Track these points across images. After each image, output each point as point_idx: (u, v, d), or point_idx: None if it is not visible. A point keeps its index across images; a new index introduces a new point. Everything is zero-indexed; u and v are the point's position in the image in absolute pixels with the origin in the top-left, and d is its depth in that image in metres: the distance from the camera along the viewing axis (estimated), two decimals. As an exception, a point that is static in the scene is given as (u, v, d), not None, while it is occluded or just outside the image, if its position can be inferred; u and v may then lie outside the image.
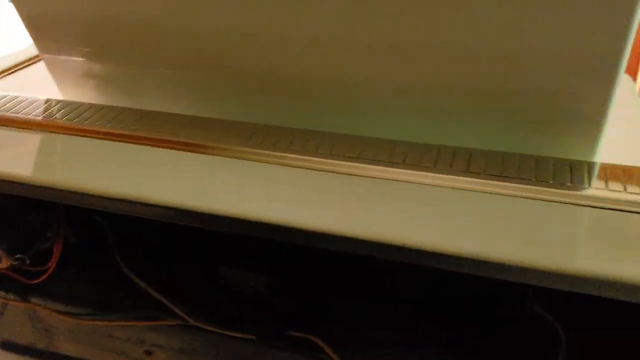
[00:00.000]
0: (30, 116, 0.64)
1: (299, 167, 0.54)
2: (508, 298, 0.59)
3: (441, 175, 0.51)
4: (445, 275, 0.45)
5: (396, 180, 0.51)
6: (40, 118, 0.64)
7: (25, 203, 0.69)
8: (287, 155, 0.55)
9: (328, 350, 0.60)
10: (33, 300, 0.73)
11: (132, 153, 0.58)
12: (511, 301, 0.59)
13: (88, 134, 0.61)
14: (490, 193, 0.49)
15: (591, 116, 0.52)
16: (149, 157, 0.57)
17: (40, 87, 0.72)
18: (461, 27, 0.50)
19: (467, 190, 0.49)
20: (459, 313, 0.62)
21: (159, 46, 0.62)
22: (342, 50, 0.55)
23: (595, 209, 0.47)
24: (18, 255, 0.70)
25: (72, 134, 0.61)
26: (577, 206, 0.47)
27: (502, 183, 0.49)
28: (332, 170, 0.53)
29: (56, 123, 0.63)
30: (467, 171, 0.51)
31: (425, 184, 0.51)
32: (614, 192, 0.48)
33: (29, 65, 0.82)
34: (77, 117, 0.63)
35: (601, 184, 0.49)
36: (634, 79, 2.30)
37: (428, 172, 0.51)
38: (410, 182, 0.51)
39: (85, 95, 0.69)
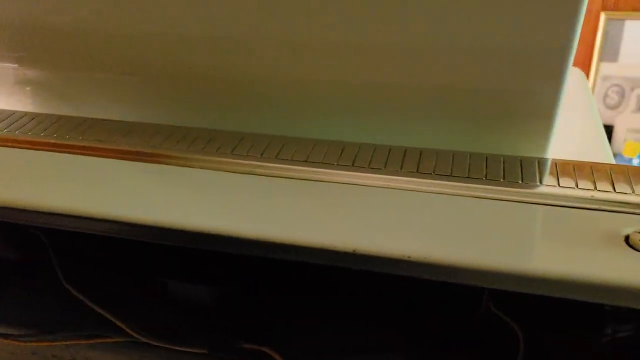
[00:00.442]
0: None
1: (243, 173, 0.52)
2: (464, 301, 0.58)
3: (390, 177, 0.49)
4: (402, 280, 0.44)
5: (345, 184, 0.49)
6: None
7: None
8: (232, 160, 0.53)
9: (281, 362, 0.58)
10: (-31, 323, 0.69)
11: (67, 163, 0.55)
12: (467, 304, 0.58)
13: (19, 145, 0.58)
14: (440, 194, 0.48)
15: (541, 112, 0.51)
16: (87, 167, 0.55)
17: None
18: (406, 25, 0.48)
19: (417, 191, 0.48)
20: (416, 318, 0.61)
21: (95, 50, 0.59)
22: (287, 51, 0.53)
23: (547, 207, 0.46)
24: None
25: (1, 145, 0.58)
26: (528, 204, 0.46)
27: (452, 183, 0.48)
28: (278, 175, 0.51)
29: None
30: (417, 172, 0.50)
31: (374, 187, 0.49)
32: (566, 188, 0.47)
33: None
34: (8, 126, 0.60)
35: (552, 181, 0.48)
36: (586, 73, 2.35)
37: (378, 174, 0.50)
38: (359, 185, 0.49)
39: (19, 103, 0.66)
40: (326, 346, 0.61)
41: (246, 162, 0.52)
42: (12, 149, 0.57)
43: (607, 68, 2.35)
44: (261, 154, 0.53)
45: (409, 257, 0.41)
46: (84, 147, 0.57)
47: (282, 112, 0.58)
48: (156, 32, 0.56)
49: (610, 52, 2.33)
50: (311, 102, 0.56)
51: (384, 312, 0.62)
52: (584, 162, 0.51)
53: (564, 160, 0.51)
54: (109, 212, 0.48)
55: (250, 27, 0.52)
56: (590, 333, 0.53)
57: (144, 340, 0.62)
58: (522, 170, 0.49)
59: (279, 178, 0.51)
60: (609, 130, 2.40)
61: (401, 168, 0.50)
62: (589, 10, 2.21)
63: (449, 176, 0.49)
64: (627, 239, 0.42)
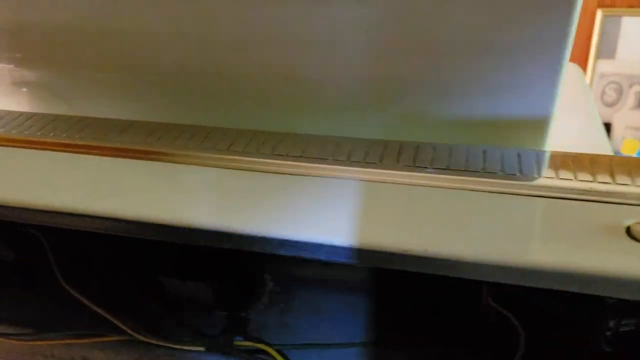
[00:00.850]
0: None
1: (243, 170, 0.51)
2: (463, 295, 0.57)
3: (387, 171, 0.49)
4: (402, 275, 0.44)
5: (341, 178, 0.49)
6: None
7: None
8: (231, 157, 0.52)
9: (279, 358, 0.58)
10: (-33, 323, 0.69)
11: (65, 162, 0.55)
12: (466, 298, 0.58)
13: (17, 144, 0.57)
14: (437, 187, 0.47)
15: (539, 106, 0.51)
16: (84, 165, 0.54)
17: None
18: (409, 19, 0.48)
19: (414, 185, 0.48)
20: (416, 313, 0.60)
21: (89, 48, 0.58)
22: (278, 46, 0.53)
23: (546, 199, 0.45)
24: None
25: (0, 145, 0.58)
26: (528, 197, 0.46)
27: (449, 176, 0.48)
28: (275, 170, 0.51)
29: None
30: (414, 166, 0.49)
31: (372, 181, 0.49)
32: (565, 180, 0.47)
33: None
34: (4, 126, 0.60)
35: (551, 173, 0.48)
36: (584, 70, 2.34)
37: (374, 168, 0.49)
38: (357, 179, 0.49)
39: (15, 103, 0.66)
40: (324, 340, 0.61)
41: (244, 158, 0.52)
42: (11, 148, 0.57)
43: (605, 65, 2.34)
44: (258, 150, 0.53)
45: (408, 251, 0.41)
46: (80, 146, 0.56)
47: (288, 110, 0.58)
48: (149, 31, 0.55)
49: (607, 49, 2.32)
50: (314, 97, 0.56)
51: (386, 307, 0.62)
52: (582, 154, 0.50)
53: (562, 152, 0.51)
54: (106, 209, 0.48)
55: (230, 26, 0.52)
56: (590, 326, 0.52)
57: (142, 339, 0.62)
58: (520, 163, 0.49)
59: (277, 174, 0.51)
60: (607, 128, 2.40)
61: (397, 162, 0.50)
62: (585, 7, 2.22)
63: (447, 169, 0.48)
64: (628, 230, 0.42)
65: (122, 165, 0.54)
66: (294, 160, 0.51)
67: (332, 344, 0.59)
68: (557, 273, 0.40)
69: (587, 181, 0.46)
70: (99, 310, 0.63)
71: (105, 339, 0.63)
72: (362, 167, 0.49)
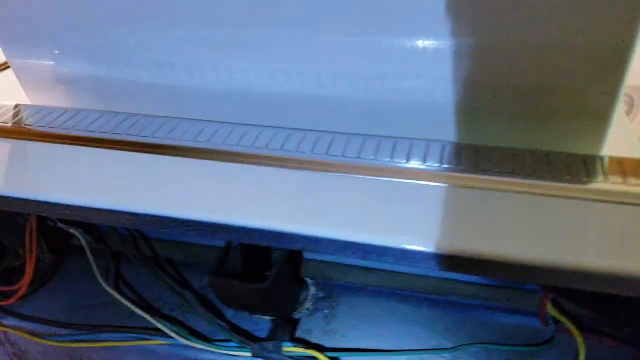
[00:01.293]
0: (-1, 123, 0.60)
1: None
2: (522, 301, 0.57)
3: (455, 174, 0.48)
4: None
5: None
6: (9, 125, 0.59)
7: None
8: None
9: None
10: (4, 323, 0.68)
11: (107, 159, 0.54)
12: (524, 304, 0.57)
13: (60, 140, 0.57)
14: (501, 191, 0.46)
15: (600, 110, 0.50)
16: (126, 162, 0.53)
17: (10, 93, 0.67)
18: (469, 20, 0.47)
19: (478, 189, 0.47)
20: (470, 318, 0.59)
21: (131, 47, 0.58)
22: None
23: (618, 205, 0.44)
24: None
25: (44, 141, 0.57)
26: (598, 202, 0.45)
27: (515, 180, 0.47)
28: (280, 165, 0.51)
29: (26, 129, 0.58)
30: (477, 170, 0.48)
31: (435, 185, 0.48)
32: (633, 186, 0.46)
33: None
34: (49, 123, 0.59)
35: (618, 179, 0.47)
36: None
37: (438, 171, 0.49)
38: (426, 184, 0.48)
39: (56, 99, 0.65)
40: (372, 347, 0.59)
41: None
42: (54, 144, 0.56)
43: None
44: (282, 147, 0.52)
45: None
46: (122, 143, 0.56)
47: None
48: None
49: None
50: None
51: (432, 311, 0.61)
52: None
53: (621, 157, 0.50)
54: (160, 209, 0.48)
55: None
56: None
57: (186, 343, 0.60)
58: (586, 168, 0.48)
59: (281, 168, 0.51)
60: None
61: (458, 165, 0.49)
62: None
63: (511, 173, 0.48)
64: None
65: (177, 165, 0.53)
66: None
67: (381, 351, 0.58)
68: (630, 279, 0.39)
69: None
70: (142, 314, 0.62)
71: (146, 342, 0.62)
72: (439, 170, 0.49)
